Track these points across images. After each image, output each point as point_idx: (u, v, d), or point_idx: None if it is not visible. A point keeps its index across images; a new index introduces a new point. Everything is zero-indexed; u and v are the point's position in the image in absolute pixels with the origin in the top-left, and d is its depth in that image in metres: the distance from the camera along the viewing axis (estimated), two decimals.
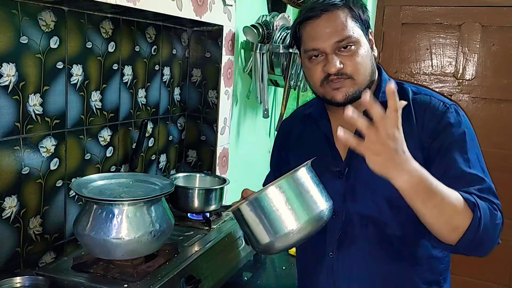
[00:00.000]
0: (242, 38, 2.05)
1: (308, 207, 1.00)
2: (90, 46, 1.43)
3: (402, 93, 1.18)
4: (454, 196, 0.98)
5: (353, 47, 1.11)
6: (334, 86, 1.12)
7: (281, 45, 2.07)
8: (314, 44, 1.12)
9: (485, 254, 1.04)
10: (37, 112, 1.28)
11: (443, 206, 0.97)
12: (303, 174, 1.03)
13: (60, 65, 1.34)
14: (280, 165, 1.35)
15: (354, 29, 1.12)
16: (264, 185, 1.41)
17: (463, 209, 0.98)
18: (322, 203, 1.02)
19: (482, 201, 1.02)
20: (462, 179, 1.06)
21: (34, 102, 1.27)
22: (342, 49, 1.11)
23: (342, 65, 1.10)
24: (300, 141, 1.30)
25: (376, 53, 1.19)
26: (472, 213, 0.98)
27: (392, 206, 1.12)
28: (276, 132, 2.33)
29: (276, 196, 0.99)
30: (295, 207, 0.99)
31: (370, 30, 1.18)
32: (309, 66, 1.16)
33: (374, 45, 1.18)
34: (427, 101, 1.16)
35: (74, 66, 1.38)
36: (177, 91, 1.90)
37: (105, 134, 1.54)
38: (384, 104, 1.16)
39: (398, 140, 0.91)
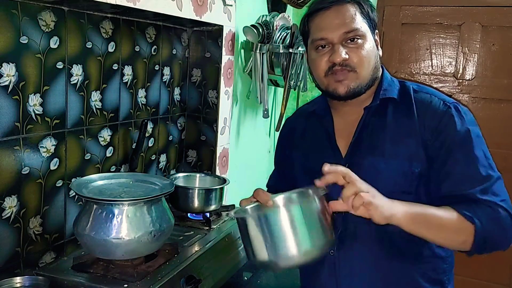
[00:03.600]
0: (242, 38, 2.05)
1: (316, 236, 0.98)
2: (90, 46, 1.43)
3: (404, 91, 1.20)
4: (449, 216, 1.04)
5: (359, 40, 1.13)
6: (338, 78, 1.13)
7: (281, 45, 2.07)
8: (322, 34, 1.14)
9: (507, 247, 1.09)
10: (37, 112, 1.28)
11: (444, 228, 1.04)
12: (315, 203, 1.00)
13: (60, 65, 1.34)
14: (284, 163, 1.35)
15: (362, 24, 1.14)
16: (268, 185, 1.41)
17: (462, 224, 1.04)
18: (328, 235, 1.00)
19: (483, 204, 1.05)
20: (465, 180, 1.09)
21: (34, 102, 1.27)
22: (349, 41, 1.13)
23: (347, 56, 1.12)
24: (303, 138, 1.30)
25: (381, 53, 1.20)
26: (473, 225, 1.03)
27: None
28: (276, 132, 2.33)
29: (285, 218, 0.97)
30: (303, 233, 0.97)
31: (376, 31, 1.20)
32: (315, 56, 1.17)
33: (379, 45, 1.20)
34: (428, 100, 1.17)
35: (74, 66, 1.38)
36: (177, 91, 1.90)
37: (105, 134, 1.54)
38: (385, 101, 1.17)
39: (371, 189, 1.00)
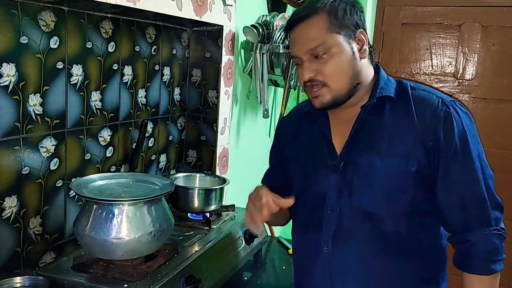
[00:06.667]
0: (242, 38, 2.05)
1: None
2: (90, 46, 1.43)
3: (401, 89, 1.19)
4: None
5: (325, 55, 1.11)
6: (313, 94, 1.16)
7: (281, 45, 2.07)
8: (293, 51, 1.17)
9: None
10: (37, 112, 1.28)
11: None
12: None
13: (60, 65, 1.34)
14: (280, 162, 1.36)
15: (328, 37, 1.11)
16: (263, 182, 1.41)
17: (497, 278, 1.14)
18: None
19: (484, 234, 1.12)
20: (465, 194, 1.12)
21: (34, 102, 1.27)
22: (317, 57, 1.12)
23: (314, 74, 1.13)
24: (297, 136, 1.30)
25: (367, 52, 1.16)
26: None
27: (389, 200, 1.13)
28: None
29: None
30: None
31: (360, 30, 1.14)
32: (296, 70, 1.21)
33: (365, 45, 1.15)
34: (427, 98, 1.16)
35: (74, 66, 1.38)
36: (177, 91, 1.90)
37: (105, 134, 1.54)
38: (382, 99, 1.17)
39: None
